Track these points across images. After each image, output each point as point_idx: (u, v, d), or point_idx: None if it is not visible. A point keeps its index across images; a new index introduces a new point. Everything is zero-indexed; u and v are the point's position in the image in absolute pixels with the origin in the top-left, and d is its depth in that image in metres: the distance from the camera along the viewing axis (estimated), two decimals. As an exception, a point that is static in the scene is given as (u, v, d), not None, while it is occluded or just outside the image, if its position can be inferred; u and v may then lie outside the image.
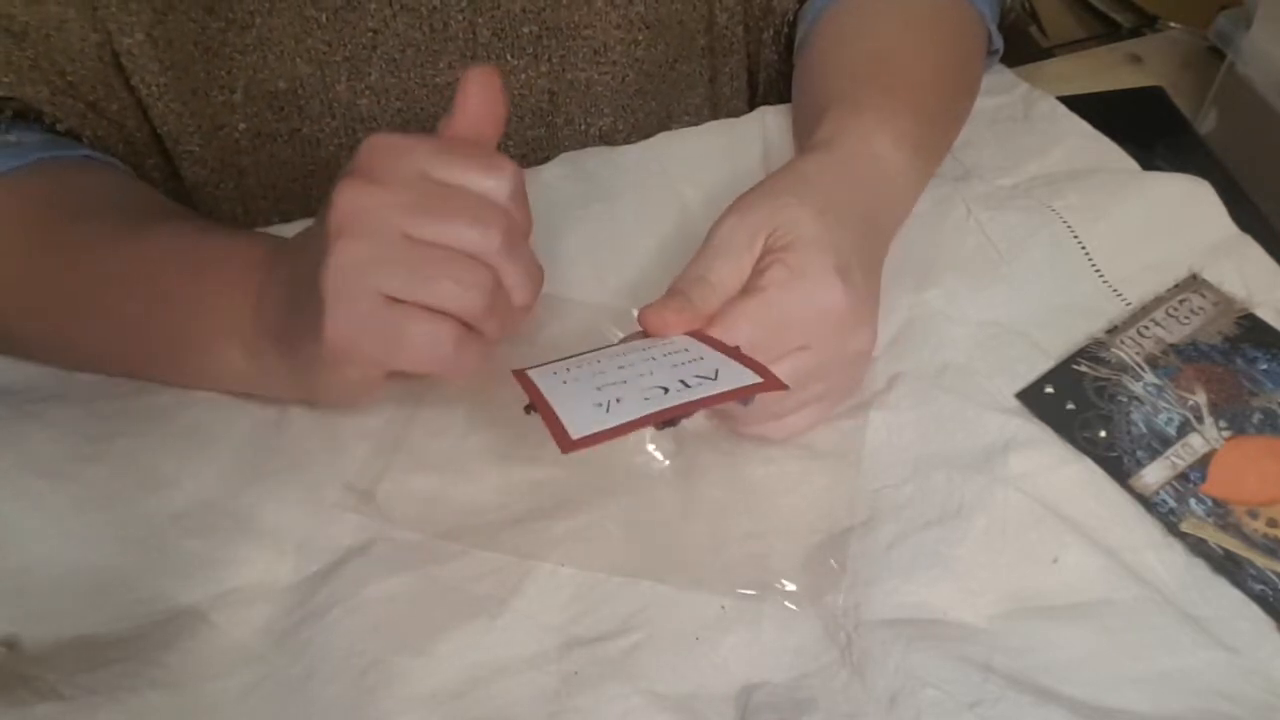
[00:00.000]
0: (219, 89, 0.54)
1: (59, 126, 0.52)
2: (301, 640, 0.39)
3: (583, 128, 0.60)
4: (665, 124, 0.62)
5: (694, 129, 0.59)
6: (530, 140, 0.60)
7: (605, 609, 0.40)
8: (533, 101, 0.58)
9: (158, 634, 0.40)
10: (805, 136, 0.50)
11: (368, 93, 0.55)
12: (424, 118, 0.57)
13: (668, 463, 0.44)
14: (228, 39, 0.52)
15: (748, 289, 0.41)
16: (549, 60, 0.57)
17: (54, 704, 0.37)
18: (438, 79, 0.56)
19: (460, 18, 0.54)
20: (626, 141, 0.59)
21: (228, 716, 0.38)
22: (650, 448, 0.45)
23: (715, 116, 0.64)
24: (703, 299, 0.40)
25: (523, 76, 0.57)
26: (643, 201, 0.55)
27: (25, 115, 0.51)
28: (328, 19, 0.52)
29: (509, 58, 0.56)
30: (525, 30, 0.56)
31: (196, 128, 0.55)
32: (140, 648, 0.39)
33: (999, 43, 0.60)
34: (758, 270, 0.41)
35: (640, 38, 0.58)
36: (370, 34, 0.53)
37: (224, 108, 0.54)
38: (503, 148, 0.59)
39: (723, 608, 0.40)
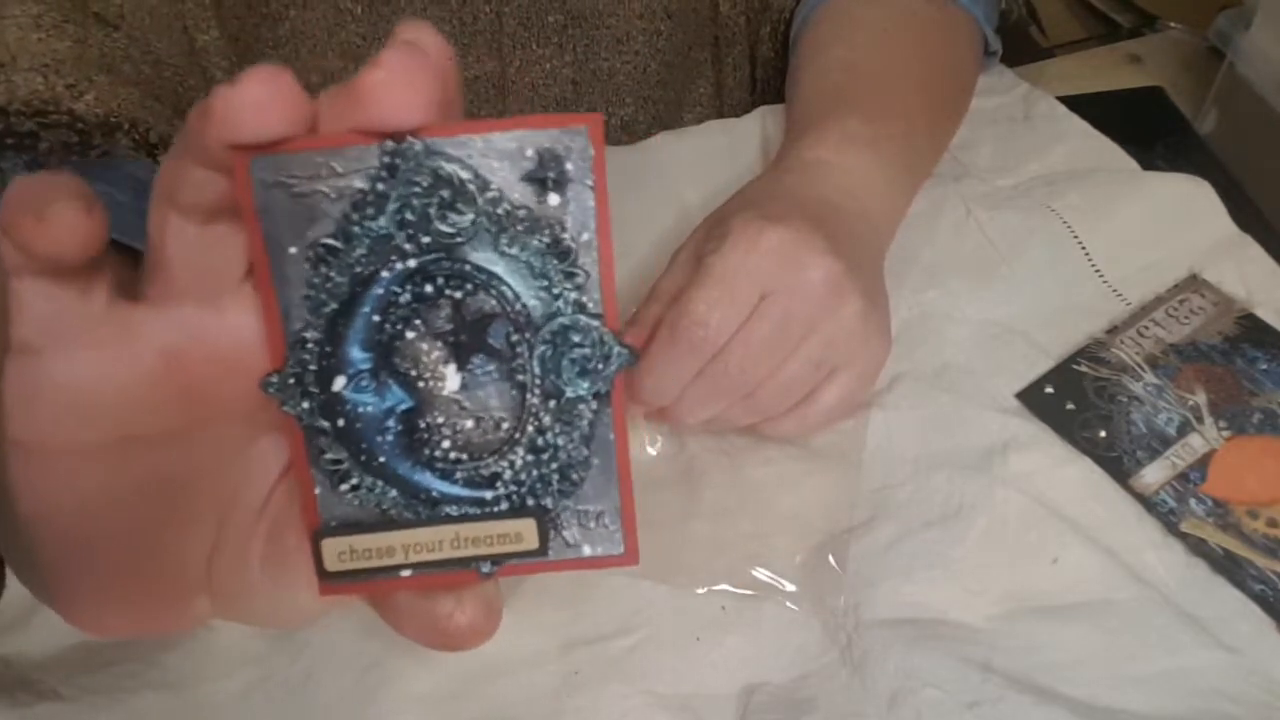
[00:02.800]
0: None
1: (151, 135, 0.46)
2: (300, 641, 0.39)
3: (605, 117, 0.60)
4: (677, 114, 0.63)
5: (694, 129, 0.59)
6: None
7: (605, 609, 0.40)
8: (556, 91, 0.59)
9: (157, 635, 0.40)
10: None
11: None
12: None
13: (655, 453, 0.45)
14: (260, 34, 0.52)
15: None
16: (573, 50, 0.57)
17: (54, 704, 0.37)
18: (466, 73, 0.56)
19: (487, 8, 0.55)
20: (647, 132, 0.59)
21: (227, 717, 0.38)
22: (648, 445, 0.45)
23: (720, 107, 0.64)
24: (647, 313, 0.42)
25: (547, 66, 0.58)
26: (643, 201, 0.55)
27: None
28: (362, 11, 0.53)
29: (534, 47, 0.57)
30: (550, 19, 0.56)
31: None
32: (139, 648, 0.39)
33: (996, 44, 0.60)
34: (698, 261, 0.41)
35: (662, 27, 0.58)
36: None
37: None
38: None
39: (723, 608, 0.40)
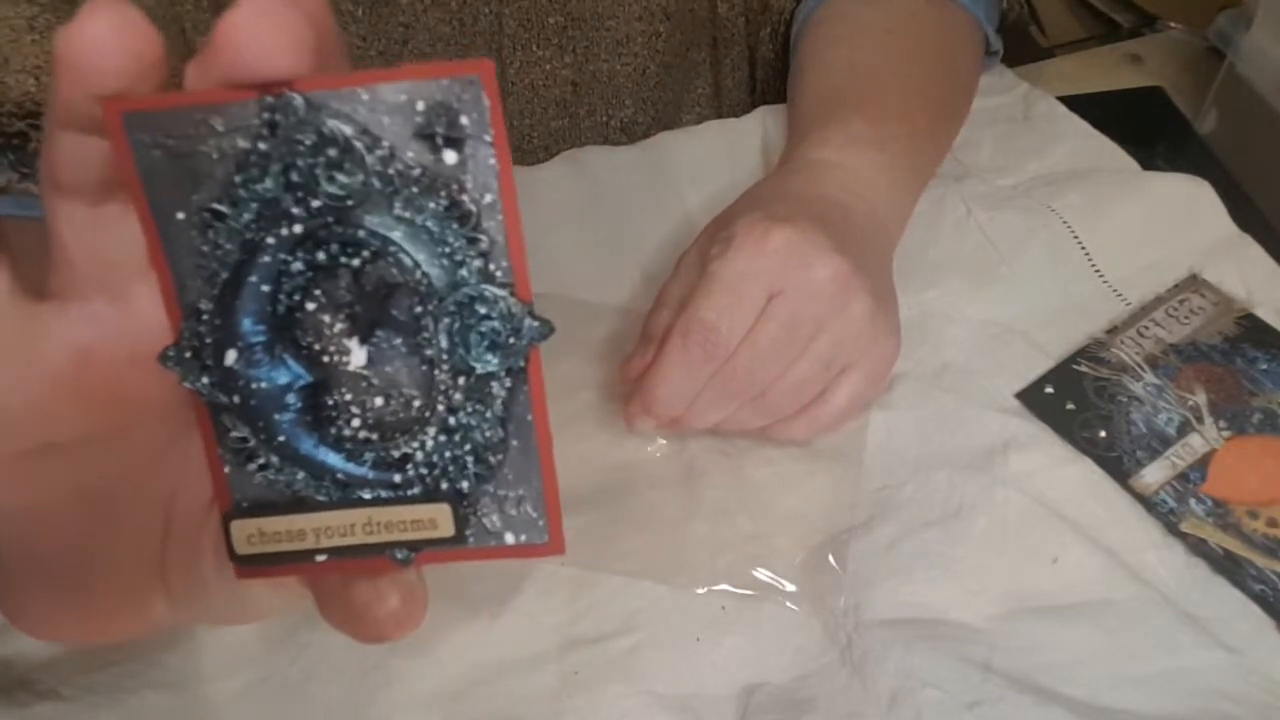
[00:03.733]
0: None
1: None
2: (301, 642, 0.39)
3: (604, 119, 0.61)
4: (676, 115, 0.63)
5: (694, 129, 0.59)
6: (553, 131, 0.60)
7: (605, 609, 0.40)
8: (556, 93, 0.59)
9: (157, 635, 0.40)
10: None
11: None
12: None
13: (655, 453, 0.45)
14: None
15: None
16: (573, 51, 0.58)
17: (53, 704, 0.37)
18: None
19: (487, 10, 0.55)
20: (646, 133, 0.59)
21: (227, 717, 0.38)
22: (648, 445, 0.45)
23: (719, 109, 0.64)
24: (656, 322, 0.42)
25: (547, 68, 0.58)
26: (643, 201, 0.55)
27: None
28: (363, 13, 0.53)
29: (534, 49, 0.57)
30: (550, 21, 0.56)
31: None
32: (140, 649, 0.39)
33: (998, 44, 0.60)
34: (704, 265, 0.41)
35: (661, 29, 0.59)
36: (402, 29, 0.54)
37: None
38: (526, 139, 0.60)
39: (723, 608, 0.40)
